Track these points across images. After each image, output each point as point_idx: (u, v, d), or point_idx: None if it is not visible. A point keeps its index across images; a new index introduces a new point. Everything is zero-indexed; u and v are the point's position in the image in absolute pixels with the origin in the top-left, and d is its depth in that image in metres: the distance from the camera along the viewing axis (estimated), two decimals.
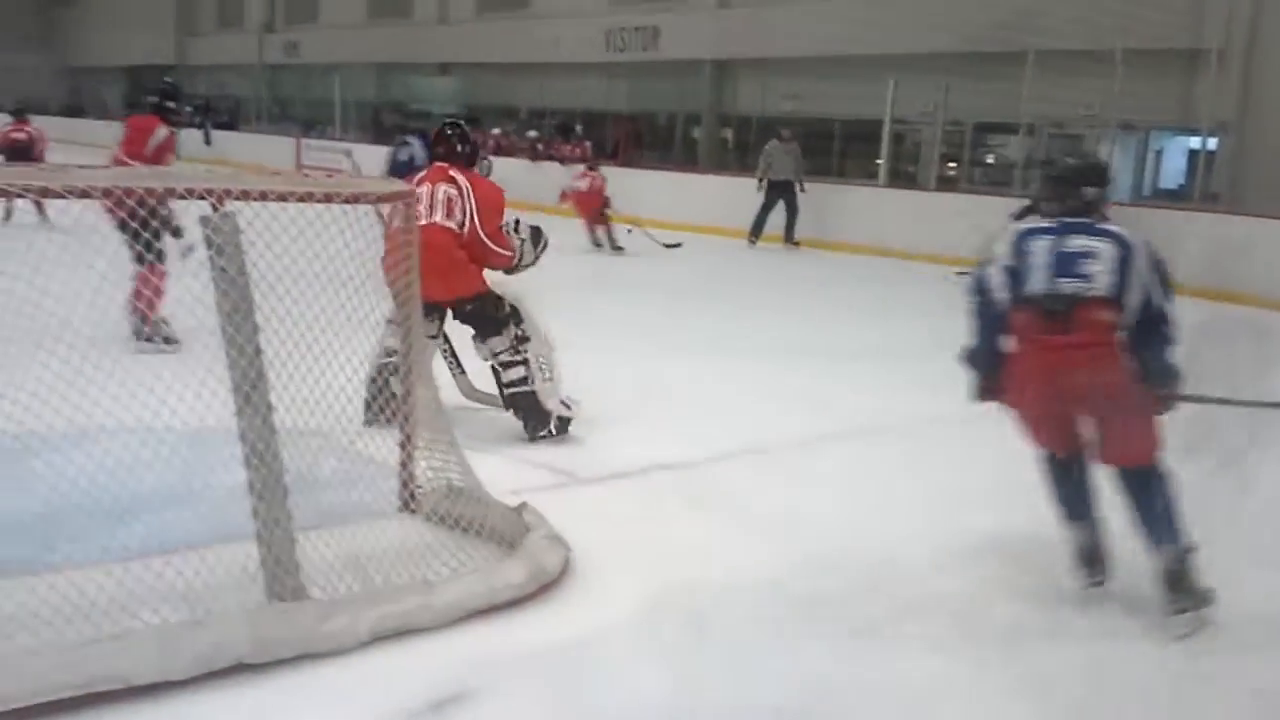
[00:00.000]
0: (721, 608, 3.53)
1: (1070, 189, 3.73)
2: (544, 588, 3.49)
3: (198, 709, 2.75)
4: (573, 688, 3.00)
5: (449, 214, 5.07)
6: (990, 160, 17.65)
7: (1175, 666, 3.32)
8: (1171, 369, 3.57)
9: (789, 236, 14.99)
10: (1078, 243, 3.57)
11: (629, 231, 13.92)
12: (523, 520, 3.76)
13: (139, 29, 37.99)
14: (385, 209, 4.00)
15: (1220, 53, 13.56)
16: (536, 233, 5.54)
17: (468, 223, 5.11)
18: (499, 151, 19.02)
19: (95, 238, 3.16)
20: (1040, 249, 3.60)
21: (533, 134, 20.58)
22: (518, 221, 5.47)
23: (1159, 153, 15.76)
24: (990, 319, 3.71)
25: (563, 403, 5.22)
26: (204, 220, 3.05)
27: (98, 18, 41.00)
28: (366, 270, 4.20)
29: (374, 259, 4.26)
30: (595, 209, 13.80)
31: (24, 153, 13.43)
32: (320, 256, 3.42)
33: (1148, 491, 3.55)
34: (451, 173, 5.21)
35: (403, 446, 4.02)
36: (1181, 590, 3.48)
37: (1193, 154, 14.92)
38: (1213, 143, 13.98)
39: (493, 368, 5.26)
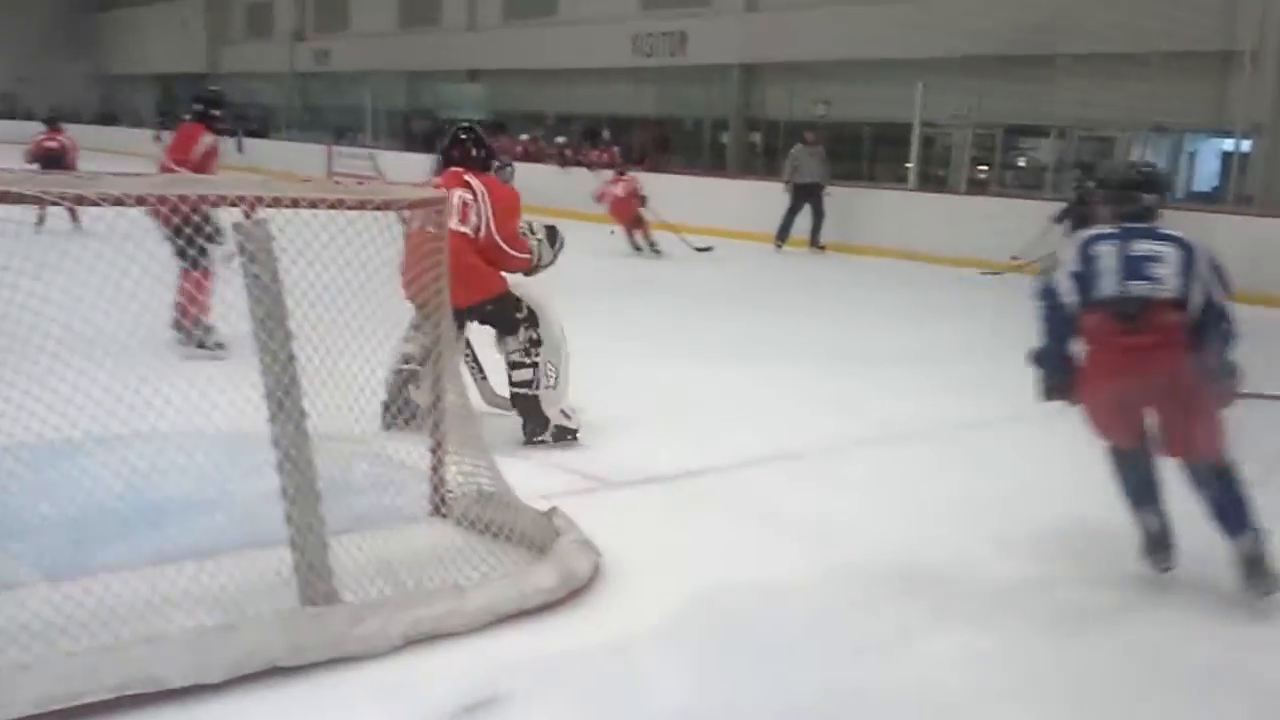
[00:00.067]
0: (751, 613, 3.53)
1: (1130, 195, 3.90)
2: (574, 593, 3.50)
3: (231, 712, 2.77)
4: (602, 692, 3.01)
5: (464, 219, 5.08)
6: (1021, 163, 17.55)
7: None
8: (1232, 365, 3.71)
9: (814, 240, 14.95)
10: (1143, 247, 3.73)
11: (611, 233, 14.07)
12: (553, 525, 3.76)
13: (171, 38, 38.39)
14: (407, 212, 4.02)
15: (1254, 54, 13.44)
16: (552, 233, 5.55)
17: (484, 227, 5.11)
18: (526, 157, 19.09)
19: (129, 244, 3.18)
20: (1107, 254, 3.75)
21: (561, 140, 20.63)
22: (531, 223, 5.48)
23: (1192, 155, 15.62)
24: (1059, 323, 3.85)
25: (563, 412, 5.20)
26: (236, 227, 3.08)
27: (131, 26, 41.46)
28: (394, 276, 4.24)
29: (396, 264, 4.30)
30: (632, 213, 13.86)
31: (57, 161, 13.60)
32: (352, 263, 3.44)
33: (1219, 483, 3.69)
34: (466, 177, 5.22)
35: (434, 451, 4.04)
36: (1261, 574, 3.64)
37: (1226, 156, 14.79)
38: (1246, 145, 13.85)
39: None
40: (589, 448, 5.22)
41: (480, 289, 5.07)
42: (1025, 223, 13.02)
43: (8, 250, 2.87)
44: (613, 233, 14.30)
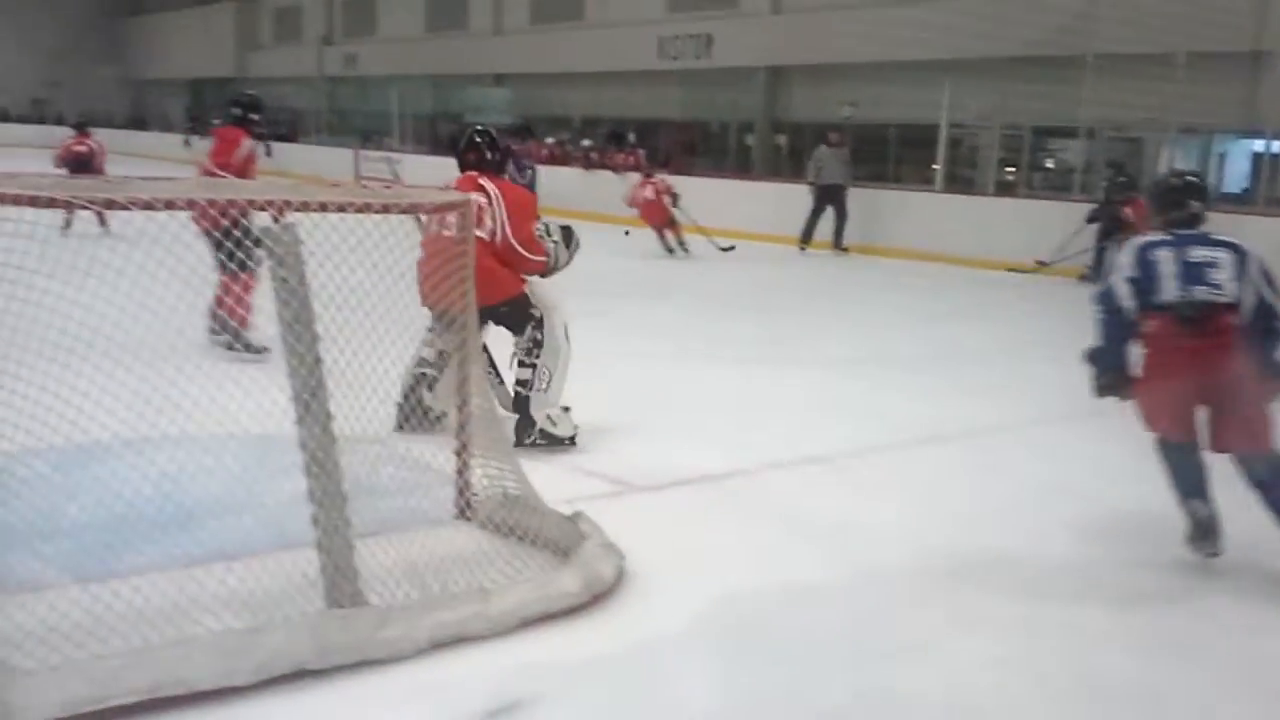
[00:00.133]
0: (776, 616, 3.52)
1: (1178, 202, 4.10)
2: (598, 596, 3.49)
3: (258, 715, 2.78)
4: (627, 697, 3.00)
5: (480, 222, 5.08)
6: (1050, 165, 17.44)
7: None
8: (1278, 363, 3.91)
9: (838, 242, 14.92)
10: (1200, 253, 3.92)
11: (626, 234, 14.13)
12: (577, 529, 3.76)
13: (200, 43, 38.73)
14: (424, 216, 4.03)
15: None
16: (568, 234, 5.54)
17: (499, 230, 5.11)
18: (552, 161, 19.15)
19: (158, 249, 3.21)
20: (1165, 260, 3.92)
21: (586, 143, 20.66)
22: (547, 225, 5.48)
23: (1222, 156, 15.49)
24: (1118, 326, 4.01)
25: (549, 417, 5.16)
26: (265, 231, 3.10)
27: (160, 32, 41.86)
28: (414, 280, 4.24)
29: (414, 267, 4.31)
30: (664, 215, 13.90)
31: (85, 165, 13.73)
32: (379, 266, 3.46)
33: (1274, 473, 3.83)
34: (481, 181, 5.22)
35: (459, 454, 4.04)
36: None
37: (1257, 157, 14.66)
38: (1277, 146, 13.71)
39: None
40: (613, 451, 5.21)
41: (498, 291, 5.07)
42: (1053, 224, 12.98)
43: (37, 254, 2.89)
44: (627, 233, 14.35)
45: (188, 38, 39.71)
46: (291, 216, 3.19)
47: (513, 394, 5.24)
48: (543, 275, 5.37)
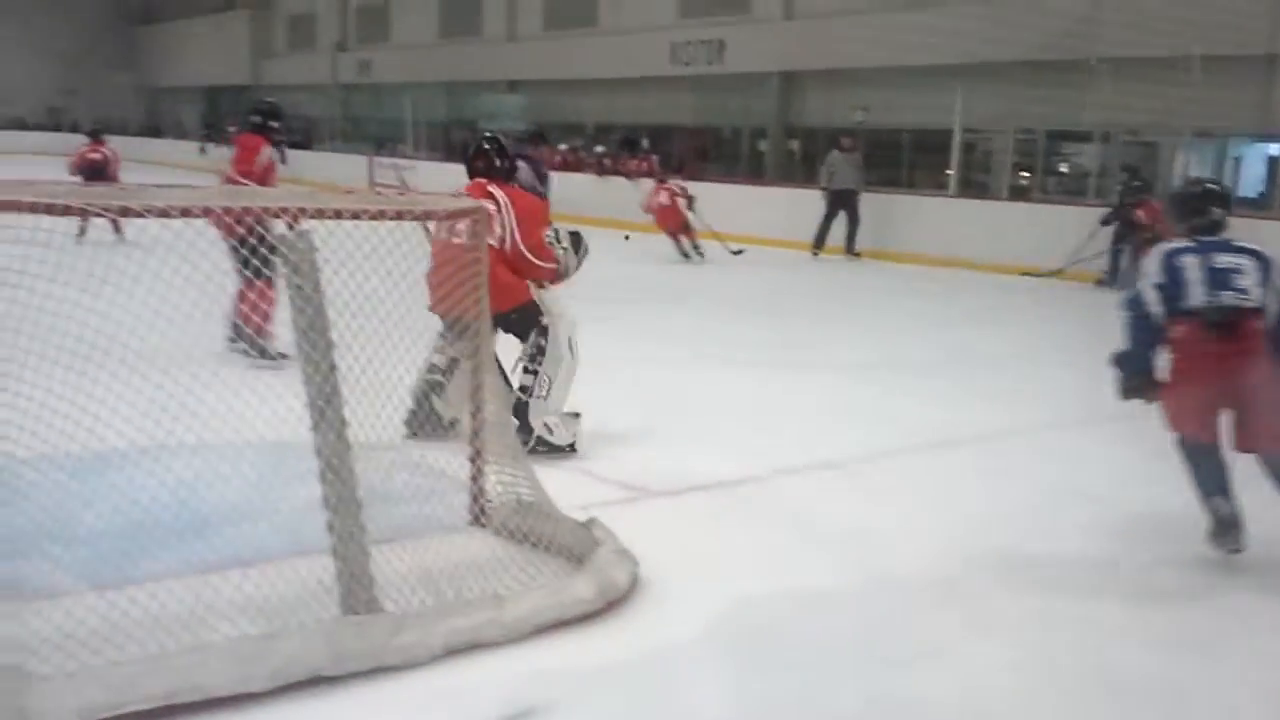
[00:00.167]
0: (790, 623, 3.52)
1: (1201, 209, 4.20)
2: (613, 603, 3.50)
3: None
4: (642, 703, 3.00)
5: (489, 230, 5.08)
6: (1064, 169, 17.40)
7: None
8: None
9: (850, 247, 14.92)
10: (1225, 259, 4.03)
11: (626, 239, 14.19)
12: (591, 535, 3.77)
13: (215, 50, 38.89)
14: (431, 224, 4.02)
15: None
16: (576, 239, 5.54)
17: (509, 237, 5.11)
18: (565, 167, 19.17)
19: (173, 256, 3.23)
20: (1190, 266, 4.02)
21: (600, 149, 20.69)
22: (557, 231, 5.48)
23: (1237, 160, 15.42)
24: (1145, 330, 4.09)
25: (546, 425, 5.15)
26: (280, 239, 3.12)
27: (175, 40, 42.05)
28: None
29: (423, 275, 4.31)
30: (679, 220, 13.94)
31: (100, 172, 13.81)
32: (393, 273, 3.47)
33: None
34: (490, 188, 5.23)
35: (473, 461, 4.05)
36: None
37: (1272, 161, 14.59)
38: None
39: None
40: (626, 457, 5.22)
41: (507, 298, 5.07)
42: (1068, 228, 12.94)
43: (54, 262, 2.91)
44: (627, 238, 14.41)
45: (202, 45, 39.89)
46: (306, 223, 3.20)
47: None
48: (553, 282, 5.37)
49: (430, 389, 5.03)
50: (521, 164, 10.83)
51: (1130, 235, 12.39)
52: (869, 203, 15.02)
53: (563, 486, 4.22)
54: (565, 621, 3.35)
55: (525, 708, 2.93)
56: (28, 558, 3.31)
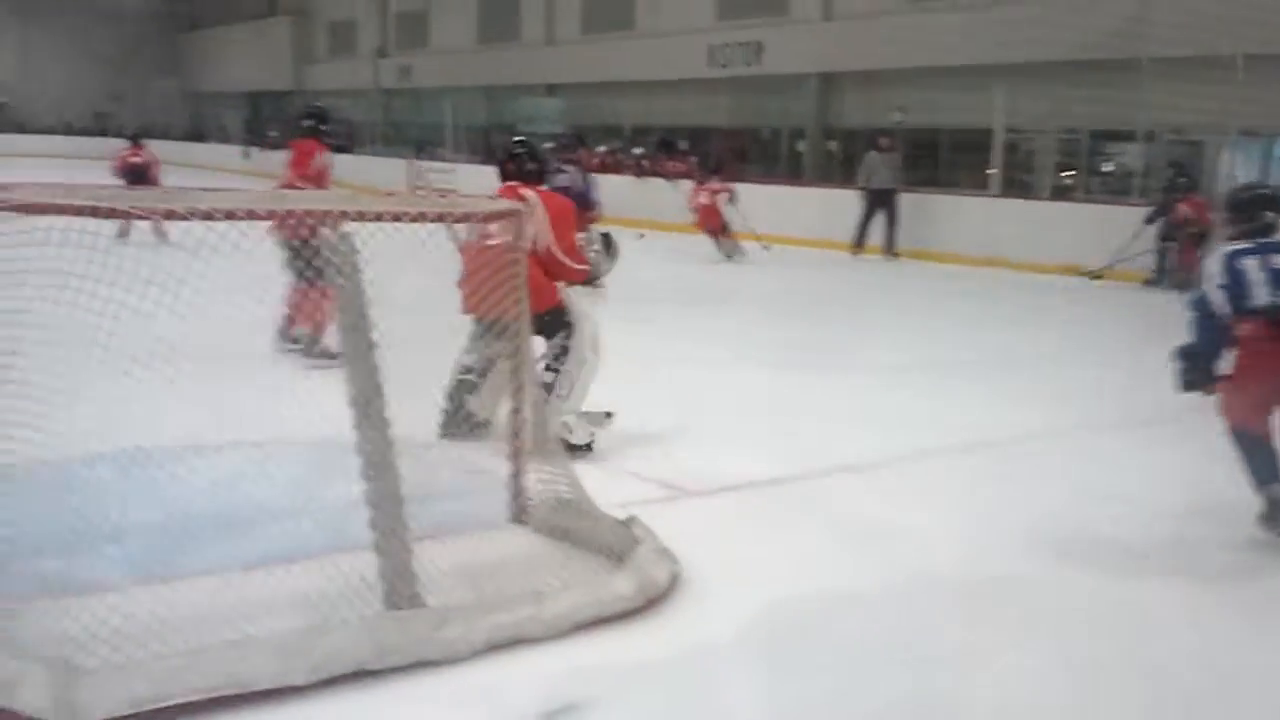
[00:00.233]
0: (828, 623, 3.52)
1: (1255, 214, 4.40)
2: (652, 601, 3.50)
3: (317, 714, 2.82)
4: (681, 700, 3.01)
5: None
6: (1108, 169, 17.22)
7: None
8: None
9: (889, 247, 14.85)
10: None
11: (640, 236, 14.22)
12: (631, 533, 3.78)
13: (257, 56, 39.27)
14: (459, 227, 4.05)
15: None
16: (608, 242, 5.56)
17: (541, 240, 5.14)
18: (604, 169, 19.21)
19: (217, 257, 3.27)
20: (1251, 267, 4.22)
21: (638, 151, 20.72)
22: (589, 233, 5.49)
23: None
24: (1211, 330, 4.29)
25: (565, 424, 5.13)
26: (323, 241, 3.15)
27: (218, 46, 42.51)
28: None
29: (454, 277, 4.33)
30: (718, 220, 13.98)
31: (141, 175, 14.04)
32: (434, 273, 3.51)
33: None
34: (522, 191, 5.26)
35: (513, 459, 4.08)
36: None
37: None
38: None
39: None
40: (665, 456, 5.23)
41: (540, 300, 5.07)
42: (1111, 228, 12.81)
43: (100, 264, 2.96)
44: (641, 236, 14.43)
45: (244, 51, 40.30)
46: (348, 226, 3.24)
47: None
48: (584, 284, 5.38)
49: (463, 390, 5.06)
50: (569, 168, 10.89)
51: (1176, 233, 12.25)
52: (908, 202, 14.95)
53: (601, 485, 4.23)
54: (605, 619, 3.36)
55: (566, 703, 2.94)
56: (77, 554, 3.36)
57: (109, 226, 2.97)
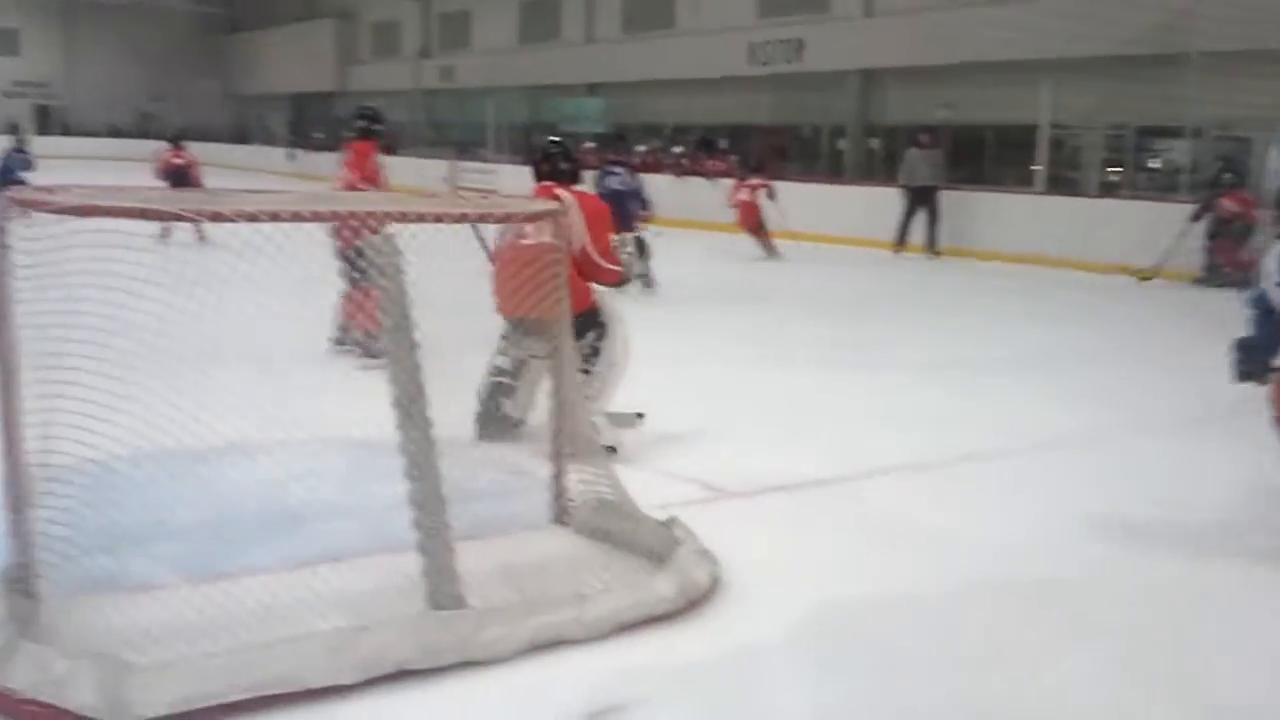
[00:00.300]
0: (873, 625, 3.49)
1: None
2: (693, 602, 3.50)
3: (362, 713, 2.84)
4: (724, 702, 3.00)
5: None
6: (1156, 165, 17.01)
7: None
8: None
9: (930, 245, 14.76)
10: None
11: (658, 235, 14.24)
12: (672, 534, 3.78)
13: (301, 58, 39.64)
14: (491, 229, 4.04)
15: None
16: (640, 244, 5.56)
17: (576, 241, 5.14)
18: (644, 168, 19.22)
19: (262, 259, 3.30)
20: None
21: (678, 150, 20.71)
22: (623, 236, 5.48)
23: None
24: (1270, 325, 4.32)
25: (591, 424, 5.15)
26: (366, 243, 3.18)
27: (262, 48, 42.96)
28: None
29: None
30: (756, 217, 13.98)
31: (183, 176, 14.23)
32: (476, 274, 3.52)
33: None
34: (557, 191, 5.26)
35: (555, 460, 4.09)
36: None
37: None
38: None
39: None
40: (705, 456, 5.21)
41: (577, 301, 5.09)
42: (1158, 225, 12.64)
43: (150, 264, 2.99)
44: (659, 234, 14.44)
45: (288, 53, 40.68)
46: (391, 227, 3.26)
47: None
48: (616, 286, 5.38)
49: (499, 392, 5.07)
50: (619, 170, 10.90)
51: (1224, 230, 12.08)
52: (951, 200, 14.84)
53: (642, 486, 4.22)
54: (647, 620, 3.37)
55: (610, 704, 2.95)
56: (126, 553, 3.41)
57: (150, 227, 3.00)
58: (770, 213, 14.08)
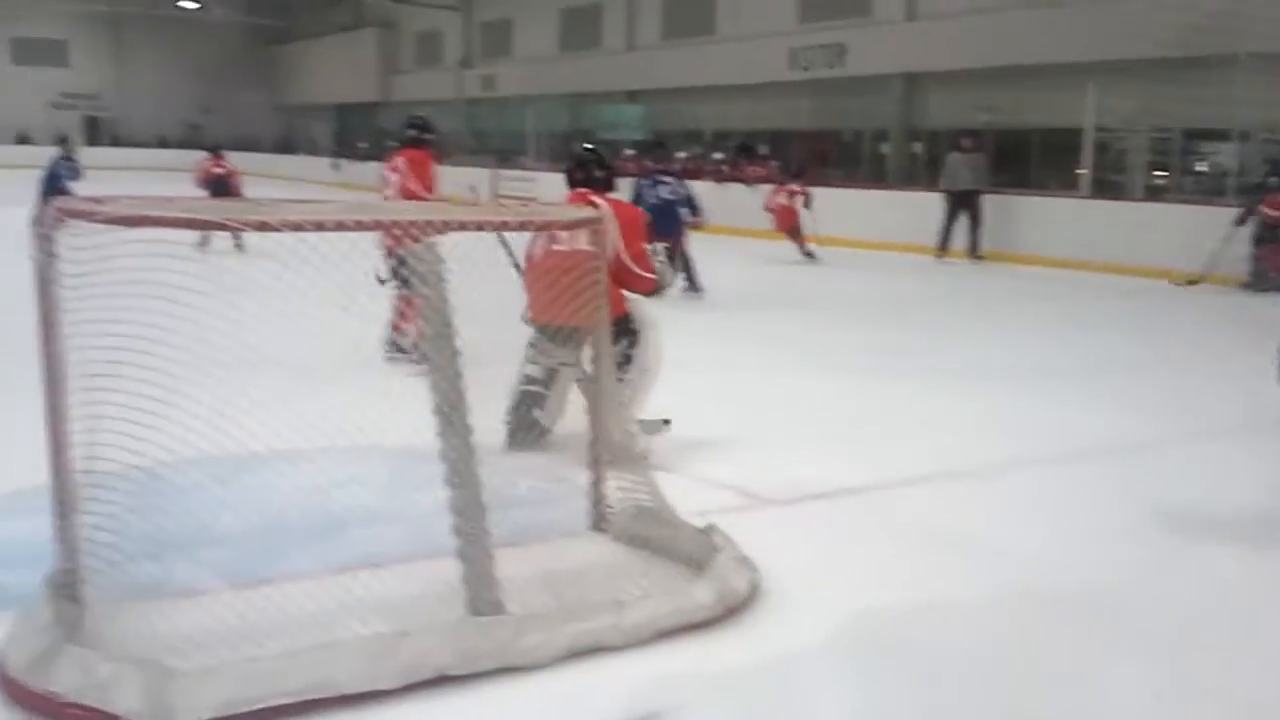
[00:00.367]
0: (914, 634, 3.46)
1: None
2: (732, 610, 3.49)
3: (401, 718, 2.85)
4: (763, 710, 2.99)
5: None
6: (1203, 168, 16.79)
7: None
8: None
9: (972, 250, 14.65)
10: None
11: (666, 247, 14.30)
12: (710, 541, 3.77)
13: (345, 68, 39.99)
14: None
15: None
16: (671, 253, 5.54)
17: (611, 248, 5.13)
18: (685, 175, 19.23)
19: (308, 268, 3.33)
20: None
21: (718, 156, 20.69)
22: (655, 245, 5.47)
23: None
24: None
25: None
26: (408, 251, 3.20)
27: (307, 59, 43.39)
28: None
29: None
30: (793, 221, 14.00)
31: (224, 185, 14.41)
32: (515, 283, 3.54)
33: None
34: (591, 198, 5.26)
35: (593, 467, 4.10)
36: None
37: None
38: None
39: None
40: (743, 464, 5.20)
41: (612, 308, 5.08)
42: (1205, 229, 12.48)
43: (193, 272, 3.03)
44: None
45: (332, 64, 41.06)
46: (434, 236, 3.28)
47: None
48: (650, 294, 5.37)
49: (529, 400, 5.08)
50: (669, 179, 10.92)
51: (1270, 234, 11.92)
52: (994, 204, 14.72)
53: (681, 493, 4.22)
54: (685, 627, 3.36)
55: (649, 711, 2.94)
56: (170, 558, 3.45)
57: (190, 235, 3.04)
58: (805, 219, 14.10)
